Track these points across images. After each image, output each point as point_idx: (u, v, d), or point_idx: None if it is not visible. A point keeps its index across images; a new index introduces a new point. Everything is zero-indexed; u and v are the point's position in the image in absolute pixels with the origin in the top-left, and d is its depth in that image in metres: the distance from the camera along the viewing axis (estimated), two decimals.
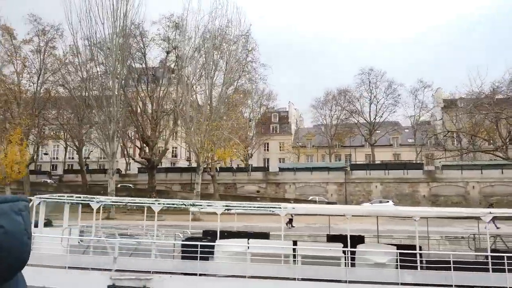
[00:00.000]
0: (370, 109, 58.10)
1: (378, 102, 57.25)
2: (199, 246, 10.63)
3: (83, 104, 37.26)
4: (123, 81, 31.01)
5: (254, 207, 12.20)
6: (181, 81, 31.36)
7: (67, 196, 13.55)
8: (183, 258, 11.19)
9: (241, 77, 36.12)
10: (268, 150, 79.05)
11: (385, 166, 45.86)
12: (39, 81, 42.36)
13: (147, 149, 43.06)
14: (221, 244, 11.04)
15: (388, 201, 39.38)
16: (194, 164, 61.79)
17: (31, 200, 13.91)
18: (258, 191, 46.90)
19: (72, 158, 67.06)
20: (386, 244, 11.85)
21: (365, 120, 58.45)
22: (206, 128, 28.19)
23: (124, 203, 12.34)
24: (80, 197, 13.39)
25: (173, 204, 12.59)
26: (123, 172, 56.12)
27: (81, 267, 10.99)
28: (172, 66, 41.32)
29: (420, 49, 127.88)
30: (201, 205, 11.81)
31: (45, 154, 53.22)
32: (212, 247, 10.95)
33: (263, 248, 11.11)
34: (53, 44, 42.06)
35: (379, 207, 31.51)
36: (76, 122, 41.34)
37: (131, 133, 46.00)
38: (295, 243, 11.40)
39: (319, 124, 72.86)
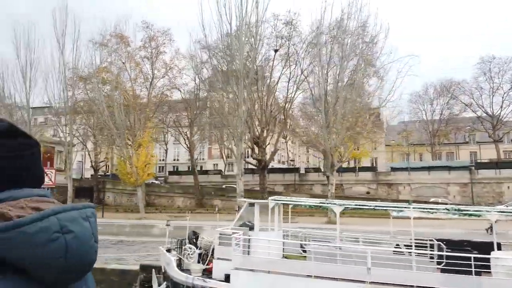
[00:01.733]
0: (492, 101, 52.05)
1: (505, 93, 50.94)
2: (472, 258, 8.91)
3: (198, 105, 37.76)
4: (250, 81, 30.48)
5: None
6: (320, 77, 29.88)
7: (284, 199, 12.70)
8: (443, 271, 9.54)
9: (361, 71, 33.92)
10: (358, 149, 75.63)
11: None
12: (151, 86, 44.03)
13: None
14: (501, 257, 9.21)
15: None
16: (293, 165, 60.79)
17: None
18: (368, 192, 44.37)
19: (163, 160, 70.07)
20: None
21: (486, 113, 52.68)
22: (342, 125, 26.53)
23: (371, 207, 10.92)
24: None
25: (431, 209, 10.89)
26: (224, 173, 56.77)
27: (326, 276, 9.84)
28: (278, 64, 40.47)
29: None
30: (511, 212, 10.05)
31: (152, 156, 55.65)
32: (486, 260, 9.15)
33: None
34: (163, 49, 43.45)
35: None
36: (190, 123, 42.11)
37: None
38: None
39: (415, 120, 67.94)
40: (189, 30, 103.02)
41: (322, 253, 10.32)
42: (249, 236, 11.56)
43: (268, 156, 40.00)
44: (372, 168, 48.21)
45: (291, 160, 55.37)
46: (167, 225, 13.25)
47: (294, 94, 38.96)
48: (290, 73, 37.88)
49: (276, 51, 39.76)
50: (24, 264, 0.90)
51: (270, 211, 12.02)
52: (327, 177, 39.58)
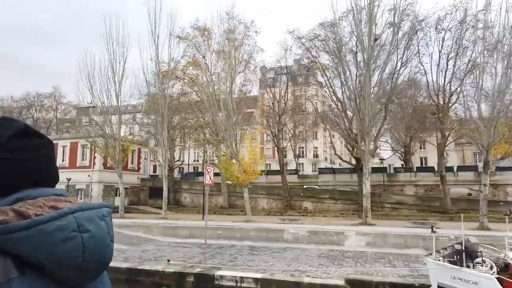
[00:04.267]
0: None
1: None
2: None
3: (286, 100, 34.97)
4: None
5: None
6: None
7: None
8: None
9: None
10: (424, 147, 71.28)
11: None
12: (233, 81, 41.73)
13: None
14: None
15: None
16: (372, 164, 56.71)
17: None
18: (469, 194, 40.56)
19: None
20: None
21: None
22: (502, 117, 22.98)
23: None
24: None
25: None
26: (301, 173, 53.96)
27: None
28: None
29: None
30: None
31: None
32: None
33: None
34: (247, 41, 41.12)
35: None
36: (278, 119, 39.47)
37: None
38: None
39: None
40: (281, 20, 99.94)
41: None
42: None
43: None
44: (472, 168, 44.15)
45: (380, 159, 51.97)
46: (433, 231, 10.55)
47: (394, 85, 35.72)
48: (397, 61, 34.62)
49: (376, 39, 36.72)
50: (42, 262, 0.91)
51: None
52: (441, 177, 36.13)
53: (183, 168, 63.97)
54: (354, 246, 20.67)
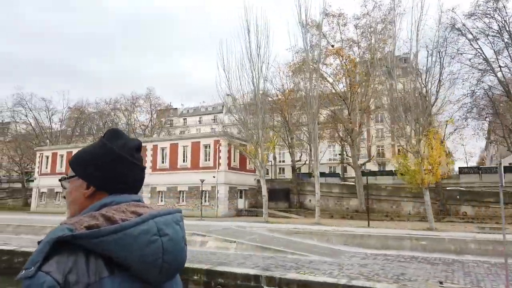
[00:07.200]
0: None
1: None
2: None
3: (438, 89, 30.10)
4: None
5: None
6: None
7: None
8: None
9: None
10: None
11: None
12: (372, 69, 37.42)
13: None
14: None
15: None
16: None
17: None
18: None
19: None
20: None
21: None
22: None
23: None
24: None
25: None
26: None
27: None
28: None
29: None
30: None
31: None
32: None
33: None
34: (389, 27, 36.69)
35: None
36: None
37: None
38: None
39: None
40: None
41: None
42: None
43: None
44: None
45: None
46: None
47: None
48: None
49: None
50: (128, 263, 1.00)
51: None
52: None
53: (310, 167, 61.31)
54: None
